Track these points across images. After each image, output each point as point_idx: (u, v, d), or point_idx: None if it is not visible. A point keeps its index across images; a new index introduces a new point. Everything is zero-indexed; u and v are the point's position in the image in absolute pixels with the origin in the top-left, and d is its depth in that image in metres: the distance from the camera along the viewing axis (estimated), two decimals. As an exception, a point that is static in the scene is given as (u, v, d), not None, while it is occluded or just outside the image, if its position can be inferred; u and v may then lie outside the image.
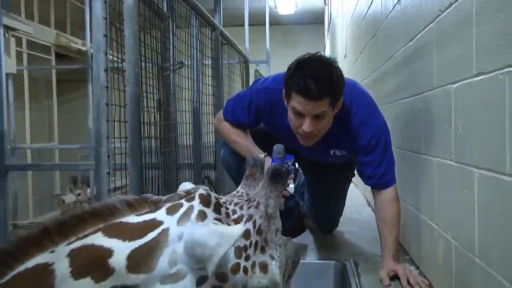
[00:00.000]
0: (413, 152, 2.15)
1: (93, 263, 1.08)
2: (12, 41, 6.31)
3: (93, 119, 1.67)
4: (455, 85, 1.55)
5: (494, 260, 1.26)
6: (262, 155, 2.02)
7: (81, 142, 8.27)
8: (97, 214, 1.14)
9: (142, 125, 1.93)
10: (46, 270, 1.05)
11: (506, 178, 1.17)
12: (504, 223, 1.21)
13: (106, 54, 1.71)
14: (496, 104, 1.22)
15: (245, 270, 1.05)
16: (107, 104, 1.73)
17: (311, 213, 2.73)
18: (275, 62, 10.27)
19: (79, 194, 8.38)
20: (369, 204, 3.56)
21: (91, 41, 8.33)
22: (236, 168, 2.29)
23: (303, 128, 1.90)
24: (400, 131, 2.43)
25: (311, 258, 2.32)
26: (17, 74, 6.95)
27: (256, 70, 6.15)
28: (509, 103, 1.16)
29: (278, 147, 1.93)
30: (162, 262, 1.08)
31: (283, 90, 1.96)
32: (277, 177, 1.11)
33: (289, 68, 1.92)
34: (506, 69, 1.16)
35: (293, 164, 2.01)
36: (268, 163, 1.88)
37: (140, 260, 1.08)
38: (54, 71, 8.53)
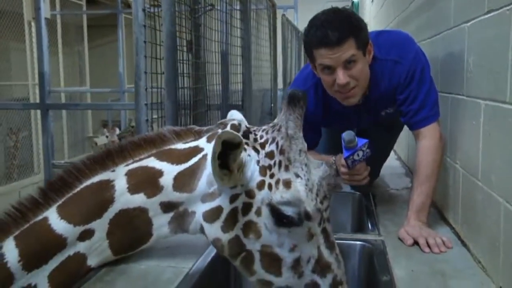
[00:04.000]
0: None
1: (146, 181, 1.29)
2: (45, -15, 6.43)
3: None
4: (468, 24, 1.65)
5: (493, 181, 1.40)
6: (332, 158, 1.94)
7: (111, 86, 8.50)
8: (150, 141, 1.35)
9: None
10: (108, 185, 1.28)
11: (506, 106, 1.29)
12: (502, 148, 1.34)
13: (143, -6, 1.86)
14: (501, 39, 1.33)
15: (270, 186, 1.16)
16: (145, 42, 1.89)
17: None
18: (302, 8, 10.21)
19: (107, 136, 8.71)
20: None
21: (120, -14, 8.41)
22: None
23: (337, 82, 1.76)
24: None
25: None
26: (50, 19, 7.11)
27: (283, 15, 6.17)
28: (512, 37, 1.27)
29: (347, 135, 1.76)
30: (202, 183, 1.26)
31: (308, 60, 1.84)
32: (294, 100, 1.18)
33: (304, 30, 1.84)
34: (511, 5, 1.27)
35: (369, 147, 1.81)
36: (340, 157, 1.83)
37: (185, 181, 1.28)
38: (85, 16, 8.67)
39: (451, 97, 1.89)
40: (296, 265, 1.17)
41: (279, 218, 1.15)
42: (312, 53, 1.78)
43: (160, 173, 1.28)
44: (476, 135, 1.55)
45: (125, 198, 1.28)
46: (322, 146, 2.33)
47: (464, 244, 1.65)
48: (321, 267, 1.17)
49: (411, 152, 2.98)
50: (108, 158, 1.31)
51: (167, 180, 1.28)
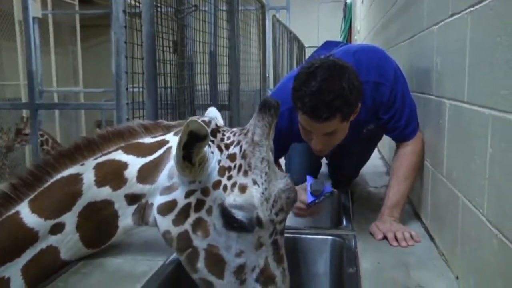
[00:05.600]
0: (407, 91, 2.31)
1: (112, 174, 1.33)
2: (37, -16, 6.45)
3: (113, 56, 1.88)
4: (437, 26, 1.72)
5: (454, 178, 1.46)
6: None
7: (106, 86, 8.52)
8: (119, 134, 1.38)
9: (157, 63, 2.14)
10: (77, 179, 1.32)
11: (465, 105, 1.36)
12: (460, 145, 1.41)
13: (124, -4, 1.91)
14: (461, 41, 1.39)
15: (225, 187, 1.17)
16: (125, 42, 1.94)
17: (330, 172, 2.66)
18: (295, 9, 10.27)
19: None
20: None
21: (113, -14, 8.45)
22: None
23: (313, 145, 1.79)
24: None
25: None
26: (42, 19, 7.14)
27: (274, 16, 6.22)
28: (469, 40, 1.33)
29: (316, 185, 1.79)
30: (163, 175, 1.29)
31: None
32: (265, 108, 1.17)
33: (296, 78, 1.70)
34: (469, 9, 1.33)
35: (332, 192, 1.83)
36: (303, 195, 1.80)
37: (148, 173, 1.31)
38: (77, 16, 8.70)
39: (423, 97, 1.95)
40: (240, 271, 1.18)
41: (229, 221, 1.15)
42: (296, 108, 1.70)
43: (125, 165, 1.31)
44: (442, 134, 1.61)
45: (92, 191, 1.32)
46: (298, 160, 2.41)
47: (431, 238, 1.72)
48: (265, 278, 1.18)
49: (393, 151, 3.04)
50: (77, 152, 1.34)
51: (131, 172, 1.31)
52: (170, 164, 1.27)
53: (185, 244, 1.22)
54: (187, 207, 1.21)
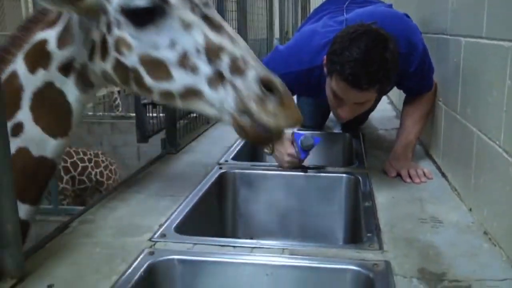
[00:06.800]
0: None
1: (38, 55, 1.31)
2: None
3: None
4: (453, -37, 1.71)
5: (468, 113, 1.49)
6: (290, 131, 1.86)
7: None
8: (35, 20, 1.34)
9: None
10: (14, 76, 1.31)
11: (483, 41, 1.37)
12: (476, 80, 1.43)
13: None
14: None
15: None
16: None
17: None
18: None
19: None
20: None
21: None
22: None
23: (340, 113, 1.76)
24: (410, 14, 2.57)
25: (324, 130, 2.58)
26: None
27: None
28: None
29: (306, 140, 1.80)
30: (76, 32, 1.27)
31: (324, 60, 1.70)
32: None
33: (335, 41, 1.64)
34: None
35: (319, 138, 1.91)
36: (290, 148, 1.83)
37: (64, 37, 1.28)
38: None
39: (436, 37, 1.96)
40: (183, 61, 1.13)
41: (138, 17, 1.13)
42: (331, 73, 1.65)
43: (45, 42, 1.30)
44: (457, 72, 1.63)
45: (30, 80, 1.31)
46: (308, 100, 2.42)
47: (444, 175, 1.76)
48: (214, 52, 1.12)
49: (403, 95, 3.05)
50: (6, 53, 1.33)
51: (52, 44, 1.30)
52: (75, 19, 1.27)
53: (123, 72, 1.21)
54: (103, 38, 1.21)
